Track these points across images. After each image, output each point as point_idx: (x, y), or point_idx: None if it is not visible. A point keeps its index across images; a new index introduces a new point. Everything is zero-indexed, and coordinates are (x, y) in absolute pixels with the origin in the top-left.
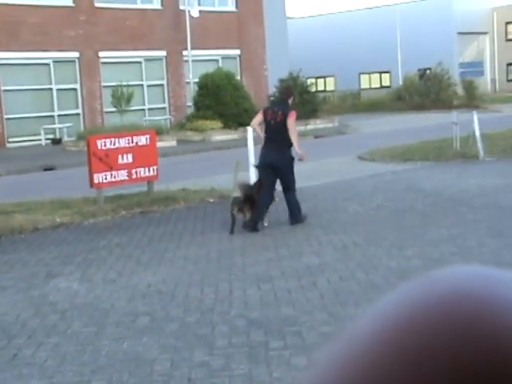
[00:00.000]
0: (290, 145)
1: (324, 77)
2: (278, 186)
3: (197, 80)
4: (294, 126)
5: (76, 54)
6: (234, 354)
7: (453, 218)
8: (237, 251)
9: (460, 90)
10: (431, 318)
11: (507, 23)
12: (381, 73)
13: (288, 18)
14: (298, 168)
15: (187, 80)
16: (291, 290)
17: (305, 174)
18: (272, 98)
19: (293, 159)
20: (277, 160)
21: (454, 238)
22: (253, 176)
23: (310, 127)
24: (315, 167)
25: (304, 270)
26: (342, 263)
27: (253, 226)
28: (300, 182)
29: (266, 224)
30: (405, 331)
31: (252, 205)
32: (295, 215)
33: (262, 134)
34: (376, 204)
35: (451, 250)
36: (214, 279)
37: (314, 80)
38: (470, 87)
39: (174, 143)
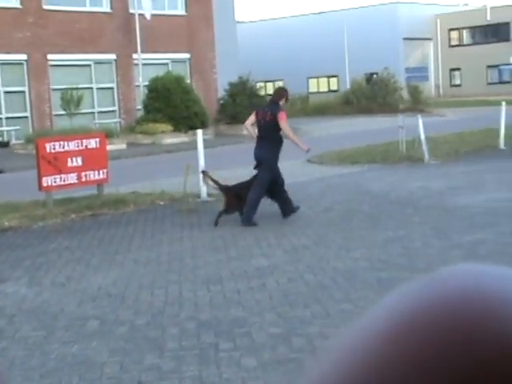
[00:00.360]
0: (279, 144)
1: (273, 81)
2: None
3: (147, 83)
4: (286, 126)
5: (24, 57)
6: (185, 356)
7: (399, 220)
8: (187, 253)
9: (406, 95)
10: (435, 316)
11: (450, 30)
12: (329, 77)
13: (238, 22)
14: (247, 172)
15: (137, 83)
16: (240, 292)
17: None
18: (221, 102)
19: (276, 159)
20: (261, 157)
21: (400, 239)
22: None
23: None
24: None
25: (253, 272)
26: (291, 265)
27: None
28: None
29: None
30: (409, 330)
31: (239, 202)
32: (247, 213)
33: (255, 134)
34: (325, 207)
35: (398, 251)
36: (164, 281)
37: (263, 84)
38: (415, 92)
39: (123, 146)
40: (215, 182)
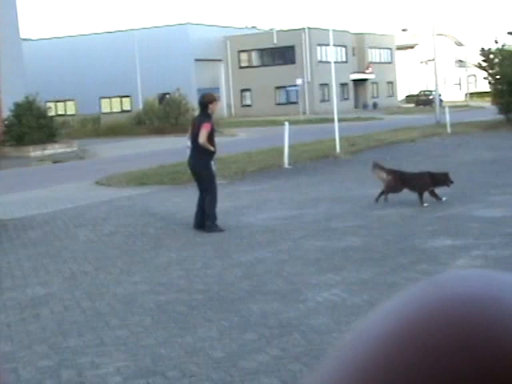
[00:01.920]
0: (210, 153)
1: (64, 100)
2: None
3: None
4: (202, 135)
5: None
6: None
7: (183, 241)
8: None
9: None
10: (436, 320)
11: (240, 51)
12: (121, 97)
13: (24, 39)
14: (29, 195)
15: None
16: (11, 324)
17: (38, 201)
18: (6, 122)
19: (209, 165)
20: (194, 166)
21: (182, 260)
22: None
23: (48, 152)
24: (50, 194)
25: (27, 302)
26: (69, 293)
27: (213, 229)
28: (31, 210)
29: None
30: (406, 337)
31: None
32: (209, 226)
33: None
34: (109, 230)
35: (178, 274)
36: None
37: (52, 104)
38: None
39: None
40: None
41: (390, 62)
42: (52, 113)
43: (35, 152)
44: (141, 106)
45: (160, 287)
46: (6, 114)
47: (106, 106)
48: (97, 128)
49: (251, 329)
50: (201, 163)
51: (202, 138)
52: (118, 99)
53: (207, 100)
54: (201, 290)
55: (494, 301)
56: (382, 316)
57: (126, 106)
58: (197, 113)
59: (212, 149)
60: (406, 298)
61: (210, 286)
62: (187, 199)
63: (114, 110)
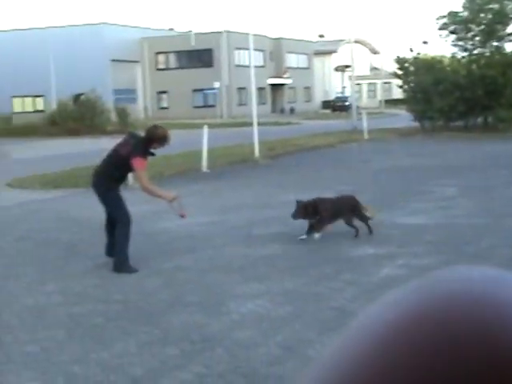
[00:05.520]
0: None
1: None
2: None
3: None
4: (143, 177)
5: None
6: None
7: (99, 248)
8: None
9: (114, 116)
10: (432, 318)
11: (157, 53)
12: (34, 96)
13: None
14: None
15: None
16: None
17: None
18: None
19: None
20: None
21: (99, 268)
22: None
23: None
24: None
25: None
26: None
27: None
28: None
29: None
30: (396, 337)
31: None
32: (117, 258)
33: None
34: (19, 236)
35: (94, 282)
36: None
37: None
38: (123, 114)
39: None
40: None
41: (307, 68)
42: None
43: None
44: (55, 106)
45: (74, 297)
46: None
47: (18, 106)
48: (8, 128)
49: (172, 343)
50: (104, 183)
51: (145, 183)
52: (31, 99)
53: (161, 136)
54: (118, 300)
55: (491, 297)
56: (379, 313)
57: (40, 106)
58: (112, 114)
59: (164, 195)
60: (403, 295)
61: (128, 296)
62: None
63: (27, 110)
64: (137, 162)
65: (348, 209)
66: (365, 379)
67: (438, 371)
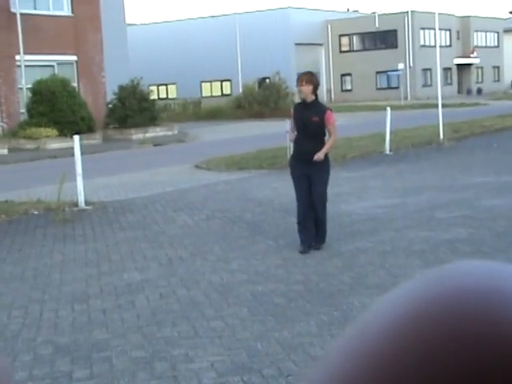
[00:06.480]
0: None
1: (166, 84)
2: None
3: (30, 86)
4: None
5: None
6: None
7: (281, 228)
8: (56, 268)
9: (298, 99)
10: (439, 312)
11: (341, 35)
12: (222, 81)
13: (129, 24)
14: (130, 178)
15: (20, 86)
16: (107, 311)
17: (138, 184)
18: (110, 106)
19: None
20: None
21: (280, 249)
22: (80, 186)
23: (149, 135)
24: (150, 177)
25: (123, 288)
26: (165, 279)
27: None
28: (131, 193)
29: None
30: (412, 326)
31: None
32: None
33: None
34: (206, 215)
35: (276, 263)
36: (25, 300)
37: (155, 87)
38: None
39: (5, 151)
40: None
41: (496, 46)
42: (154, 96)
43: (137, 135)
44: (240, 90)
45: (257, 277)
46: (110, 97)
47: (206, 90)
48: (197, 112)
49: None
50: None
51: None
52: (219, 83)
53: (316, 82)
54: (299, 281)
55: (499, 292)
56: (385, 308)
57: (227, 90)
58: (295, 97)
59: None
60: (410, 290)
61: (309, 277)
62: (285, 184)
63: (215, 94)
64: (331, 115)
65: None
66: (375, 373)
67: (449, 365)
